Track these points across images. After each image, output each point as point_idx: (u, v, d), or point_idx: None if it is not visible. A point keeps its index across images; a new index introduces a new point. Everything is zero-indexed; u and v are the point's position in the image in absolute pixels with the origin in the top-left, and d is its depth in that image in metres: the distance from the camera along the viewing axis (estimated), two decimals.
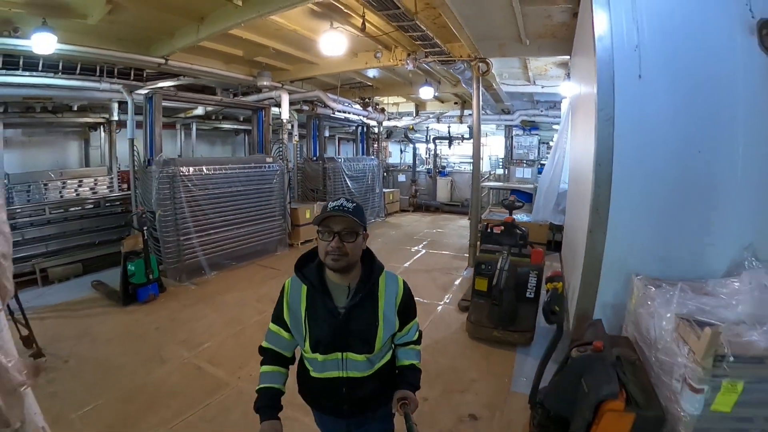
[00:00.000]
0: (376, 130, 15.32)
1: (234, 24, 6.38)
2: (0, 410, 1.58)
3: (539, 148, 16.29)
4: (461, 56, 7.83)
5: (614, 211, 3.71)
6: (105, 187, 10.62)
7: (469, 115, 13.95)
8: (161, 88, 8.56)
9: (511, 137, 16.85)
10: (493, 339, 5.22)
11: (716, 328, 2.11)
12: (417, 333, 2.30)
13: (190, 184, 7.45)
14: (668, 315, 2.52)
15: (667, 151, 3.63)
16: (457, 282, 7.87)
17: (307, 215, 10.20)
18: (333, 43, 6.54)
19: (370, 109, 13.25)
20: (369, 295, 2.09)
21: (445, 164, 19.15)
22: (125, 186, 11.05)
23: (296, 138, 11.13)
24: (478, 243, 6.93)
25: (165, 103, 8.26)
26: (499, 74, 11.01)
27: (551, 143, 14.19)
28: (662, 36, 3.67)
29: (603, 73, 3.71)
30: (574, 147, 7.25)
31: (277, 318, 2.18)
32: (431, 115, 15.87)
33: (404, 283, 2.22)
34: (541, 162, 14.99)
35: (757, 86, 3.51)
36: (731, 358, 2.12)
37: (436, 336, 5.66)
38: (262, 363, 2.23)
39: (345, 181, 12.23)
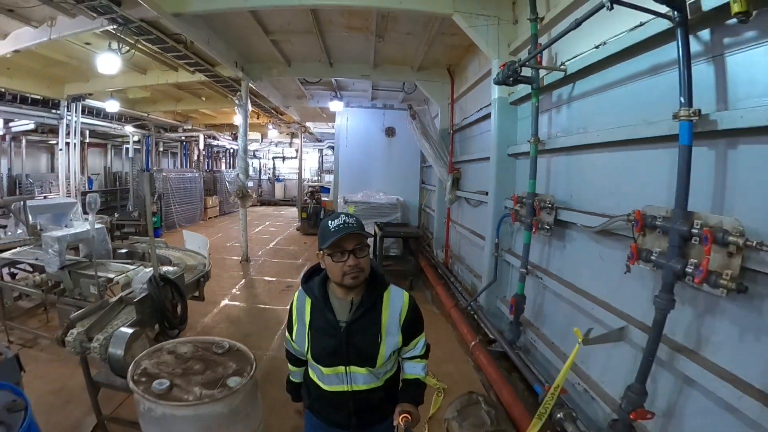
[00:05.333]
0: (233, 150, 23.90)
1: (196, 107, 14.87)
2: None
3: None
4: (293, 121, 17.10)
5: (341, 183, 13.29)
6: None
7: (297, 142, 23.51)
8: (156, 130, 16.28)
9: (322, 156, 26.68)
10: (309, 233, 14.55)
11: (344, 195, 11.65)
12: (424, 347, 2.25)
13: (168, 182, 15.45)
14: (342, 198, 11.97)
15: (354, 164, 13.27)
16: (294, 225, 16.96)
17: (209, 203, 18.51)
18: (236, 118, 15.32)
19: (237, 140, 21.92)
20: (371, 310, 2.06)
21: (278, 174, 28.19)
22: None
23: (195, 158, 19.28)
24: (303, 209, 16.29)
25: (106, 130, 15.69)
26: (313, 123, 20.52)
27: None
28: (354, 132, 13.31)
29: (336, 142, 13.38)
30: None
31: (288, 328, 2.27)
32: (272, 142, 24.94)
33: (411, 298, 2.18)
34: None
35: (383, 147, 13.32)
36: (350, 200, 11.56)
37: (288, 236, 14.87)
38: (287, 359, 2.43)
39: (225, 184, 20.56)
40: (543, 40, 4.61)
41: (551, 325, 4.66)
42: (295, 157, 26.66)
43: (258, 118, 16.17)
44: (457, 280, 8.20)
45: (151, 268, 4.02)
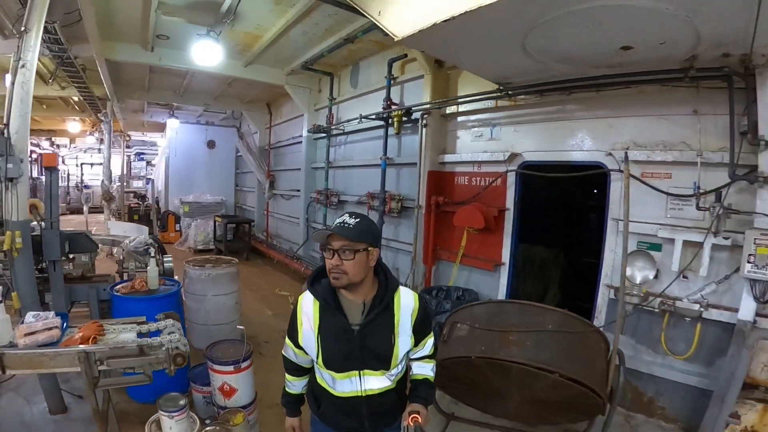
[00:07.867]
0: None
1: (33, 114, 16.15)
2: None
3: (146, 168, 28.14)
4: (118, 130, 19.04)
5: (171, 186, 16.17)
6: None
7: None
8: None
9: (130, 162, 27.98)
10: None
11: (180, 197, 14.78)
12: (433, 347, 2.27)
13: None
14: (178, 200, 15.02)
15: (182, 171, 15.96)
16: None
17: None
18: (70, 125, 16.98)
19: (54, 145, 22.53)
20: (384, 312, 2.05)
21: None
22: None
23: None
24: (135, 212, 18.43)
25: None
26: (133, 132, 22.26)
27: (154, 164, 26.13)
28: (183, 144, 16.17)
29: (168, 153, 16.29)
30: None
31: (290, 334, 2.21)
32: (81, 148, 25.58)
33: (420, 298, 2.18)
34: (148, 176, 26.62)
35: (206, 156, 16.52)
36: (185, 200, 14.68)
37: None
38: (285, 368, 2.35)
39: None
40: (335, 107, 8.98)
41: None
42: (98, 164, 27.58)
43: (86, 124, 17.59)
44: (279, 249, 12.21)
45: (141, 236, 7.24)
